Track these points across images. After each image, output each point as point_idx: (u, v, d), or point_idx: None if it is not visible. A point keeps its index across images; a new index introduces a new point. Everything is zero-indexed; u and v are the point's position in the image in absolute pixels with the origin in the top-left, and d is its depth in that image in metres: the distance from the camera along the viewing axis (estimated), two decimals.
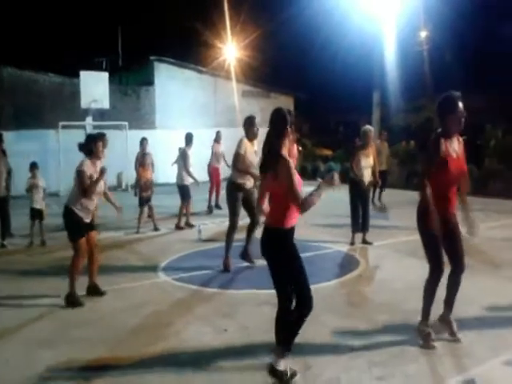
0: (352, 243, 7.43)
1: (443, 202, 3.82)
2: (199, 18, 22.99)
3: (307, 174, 17.88)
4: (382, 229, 8.53)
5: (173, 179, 9.60)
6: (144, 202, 8.82)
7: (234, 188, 6.15)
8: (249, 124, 6.10)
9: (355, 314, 4.67)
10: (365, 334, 4.19)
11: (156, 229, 8.83)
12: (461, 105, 3.79)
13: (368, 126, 7.65)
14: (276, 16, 26.88)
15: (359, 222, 7.45)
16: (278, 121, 3.37)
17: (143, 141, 9.37)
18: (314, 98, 27.22)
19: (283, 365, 3.37)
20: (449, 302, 4.06)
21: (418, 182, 3.97)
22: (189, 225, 9.04)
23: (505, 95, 27.55)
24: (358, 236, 7.50)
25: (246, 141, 6.06)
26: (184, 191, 8.98)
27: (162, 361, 3.81)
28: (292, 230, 3.37)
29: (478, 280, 5.55)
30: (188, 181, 8.96)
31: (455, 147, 3.86)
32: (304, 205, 3.18)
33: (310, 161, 18.65)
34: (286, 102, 21.82)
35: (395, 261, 6.56)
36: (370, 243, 7.44)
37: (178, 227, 8.97)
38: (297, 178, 3.25)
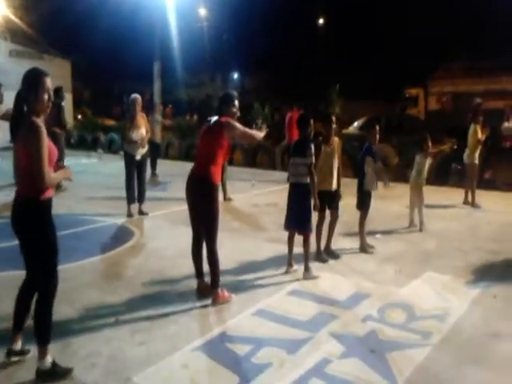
0: (129, 215, 7.37)
1: None
2: None
3: (87, 145, 16.94)
4: (160, 200, 8.69)
5: None
6: None
7: None
8: None
9: (122, 286, 4.67)
10: (130, 304, 4.24)
11: None
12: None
13: (135, 95, 7.38)
14: None
15: (135, 193, 7.42)
16: (30, 81, 3.02)
17: None
18: (95, 63, 25.63)
19: (49, 357, 3.14)
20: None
21: None
22: None
23: (273, 75, 30.81)
24: (135, 207, 7.49)
25: None
26: None
27: None
28: (49, 201, 3.12)
29: (241, 241, 6.17)
30: None
31: None
32: (50, 180, 3.00)
33: (90, 131, 17.62)
34: (63, 65, 20.08)
35: (169, 230, 6.77)
36: (146, 214, 7.51)
37: None
38: (50, 147, 3.01)
